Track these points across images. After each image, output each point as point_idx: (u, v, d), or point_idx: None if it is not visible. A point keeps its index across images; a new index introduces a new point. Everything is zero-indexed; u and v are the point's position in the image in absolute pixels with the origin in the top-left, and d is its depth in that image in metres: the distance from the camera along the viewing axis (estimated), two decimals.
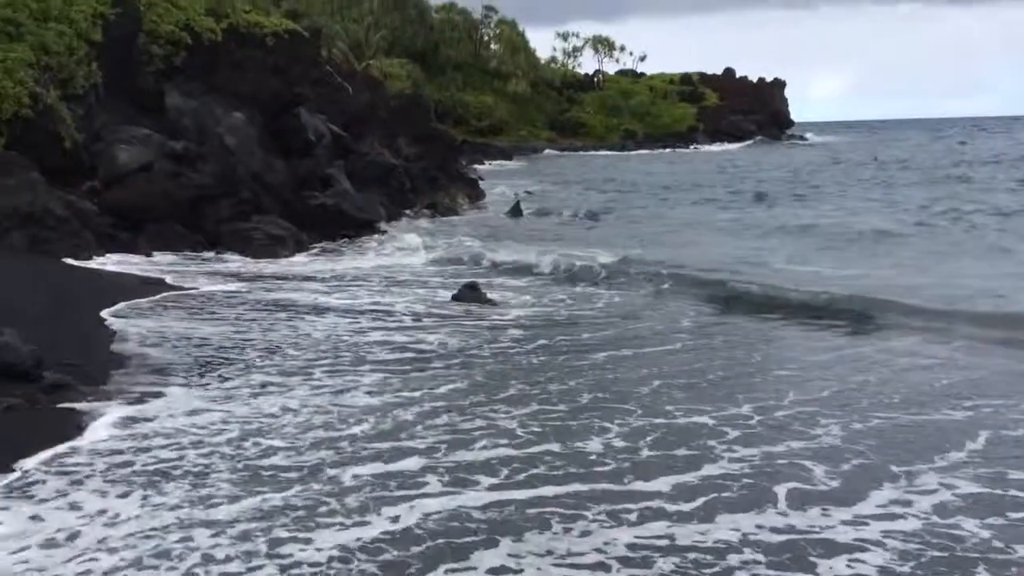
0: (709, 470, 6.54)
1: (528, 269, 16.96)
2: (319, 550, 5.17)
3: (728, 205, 30.94)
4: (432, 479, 6.23)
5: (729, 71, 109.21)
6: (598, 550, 5.25)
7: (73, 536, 5.21)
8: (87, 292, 12.60)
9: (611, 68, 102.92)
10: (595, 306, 13.52)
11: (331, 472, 6.30)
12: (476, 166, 48.31)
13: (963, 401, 8.34)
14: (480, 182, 37.20)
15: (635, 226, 25.10)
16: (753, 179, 42.16)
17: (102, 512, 5.53)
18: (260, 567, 4.96)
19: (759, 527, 5.57)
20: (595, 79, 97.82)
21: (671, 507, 5.86)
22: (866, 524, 5.65)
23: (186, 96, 22.95)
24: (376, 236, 22.09)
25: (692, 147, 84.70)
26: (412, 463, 6.51)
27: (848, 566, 5.11)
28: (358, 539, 5.30)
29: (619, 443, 7.09)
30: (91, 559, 4.94)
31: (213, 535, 5.27)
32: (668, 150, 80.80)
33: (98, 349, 9.34)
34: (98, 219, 18.17)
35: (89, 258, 16.17)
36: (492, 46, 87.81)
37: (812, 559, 5.19)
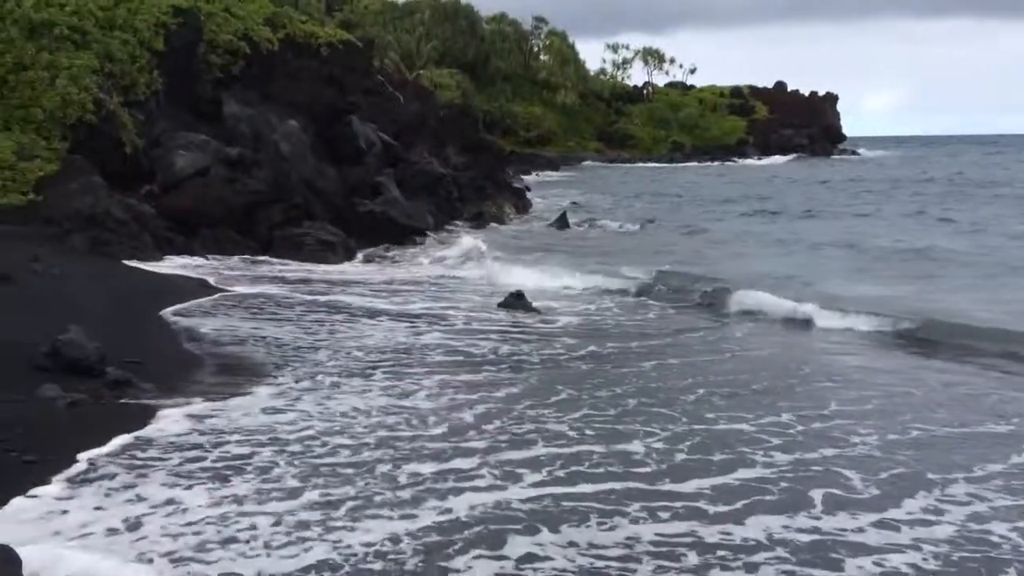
0: (744, 474, 6.66)
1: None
2: (369, 532, 5.46)
3: (775, 219, 30.79)
4: (483, 474, 6.48)
5: (780, 84, 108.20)
6: (627, 543, 5.45)
7: (136, 525, 5.46)
8: (147, 292, 13.07)
9: (660, 80, 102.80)
10: (644, 317, 13.63)
11: (388, 469, 6.55)
12: (523, 176, 48.61)
13: (1010, 418, 8.33)
14: (527, 192, 37.49)
15: (681, 238, 25.09)
16: (802, 194, 41.82)
17: (168, 502, 5.79)
18: (313, 549, 5.21)
19: (788, 527, 5.69)
20: (644, 91, 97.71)
21: (703, 507, 6.02)
22: (897, 529, 5.74)
23: (243, 104, 23.57)
24: (425, 244, 22.40)
25: (734, 160, 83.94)
26: (466, 462, 6.76)
27: (876, 564, 5.22)
28: (407, 528, 5.57)
29: (659, 446, 7.24)
30: (153, 545, 5.21)
31: (273, 523, 5.53)
32: (716, 163, 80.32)
33: (162, 347, 9.71)
34: (155, 222, 18.74)
35: (148, 260, 16.69)
36: (542, 57, 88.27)
37: (839, 557, 5.31)
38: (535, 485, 6.32)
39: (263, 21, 25.19)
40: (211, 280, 15.25)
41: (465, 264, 19.51)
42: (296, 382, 8.79)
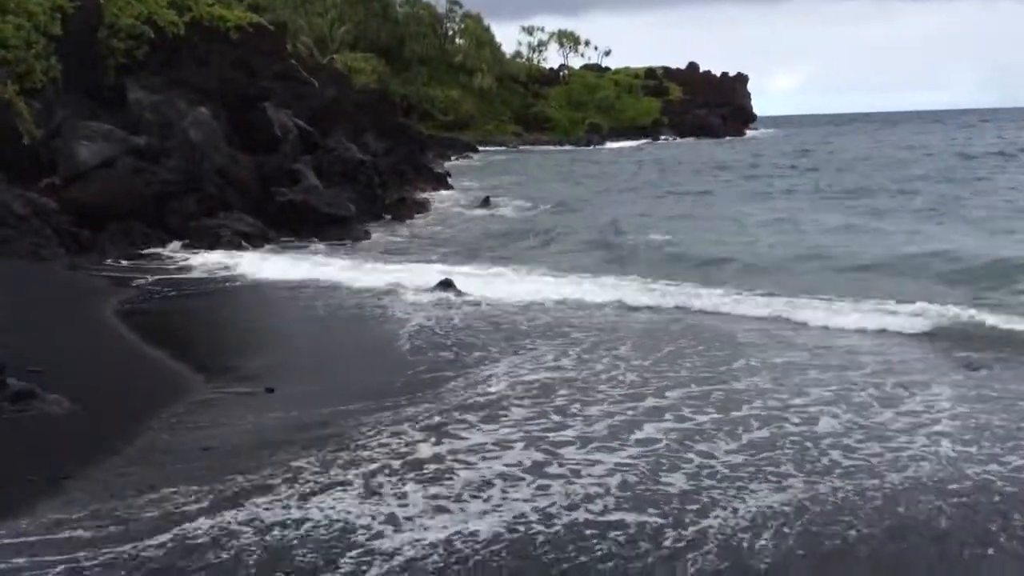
0: None
1: None
2: None
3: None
4: None
5: (693, 65, 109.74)
6: None
7: None
8: (60, 294, 12.26)
9: (576, 63, 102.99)
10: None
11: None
12: (443, 161, 48.05)
13: None
14: (448, 177, 37.03)
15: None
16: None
17: None
18: None
19: None
20: (560, 74, 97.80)
21: None
22: None
23: (148, 91, 22.50)
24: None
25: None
26: None
27: None
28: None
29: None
30: None
31: None
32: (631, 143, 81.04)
33: (73, 353, 9.02)
34: (58, 217, 17.72)
35: (50, 258, 15.71)
36: (457, 40, 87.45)
37: None
38: None
39: (167, 4, 24.08)
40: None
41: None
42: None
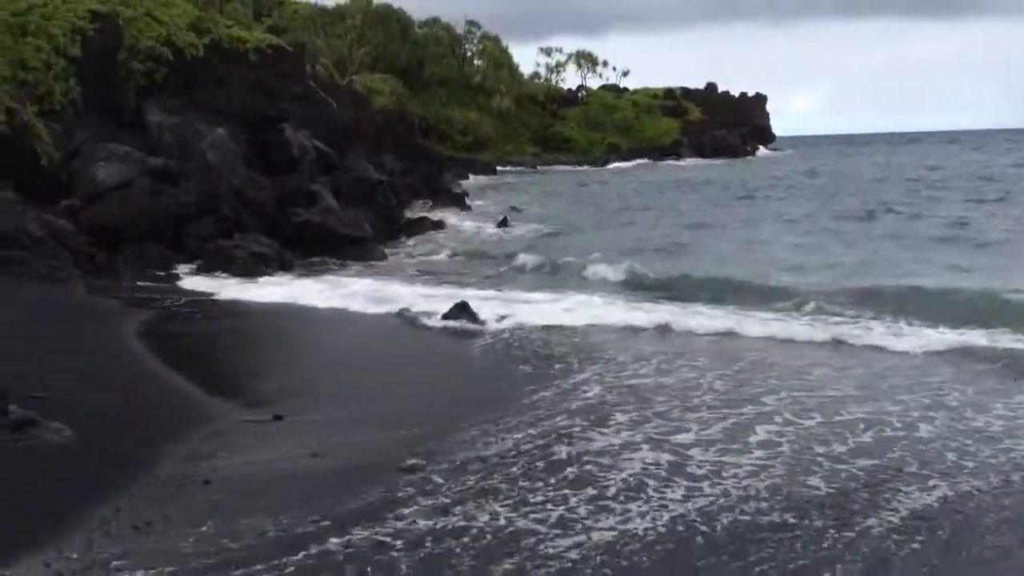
0: None
1: None
2: None
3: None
4: None
5: (711, 85, 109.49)
6: None
7: None
8: (64, 316, 12.12)
9: (594, 83, 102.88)
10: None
11: None
12: (461, 181, 47.95)
13: None
14: (466, 197, 36.88)
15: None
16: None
17: None
18: None
19: None
20: (578, 94, 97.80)
21: None
22: None
23: (167, 112, 22.55)
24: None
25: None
26: None
27: None
28: None
29: None
30: None
31: None
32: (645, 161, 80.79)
33: (79, 379, 8.81)
34: (75, 238, 17.67)
35: (65, 280, 15.61)
36: (476, 62, 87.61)
37: None
38: None
39: (187, 26, 24.17)
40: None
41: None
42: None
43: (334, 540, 5.33)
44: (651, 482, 6.42)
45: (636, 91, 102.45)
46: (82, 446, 6.59)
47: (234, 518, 5.60)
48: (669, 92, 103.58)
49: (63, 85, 20.16)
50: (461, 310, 13.55)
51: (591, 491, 6.22)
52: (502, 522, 5.65)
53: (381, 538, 5.38)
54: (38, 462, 6.25)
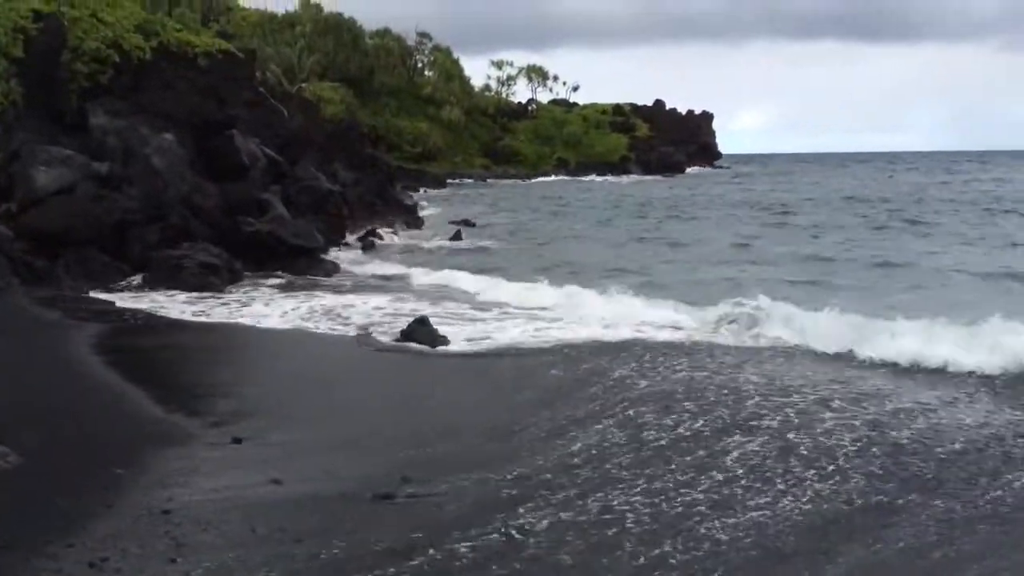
0: None
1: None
2: None
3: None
4: None
5: (659, 102, 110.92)
6: None
7: None
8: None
9: (544, 97, 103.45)
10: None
11: None
12: (411, 193, 47.54)
13: None
14: (418, 210, 36.51)
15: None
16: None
17: None
18: None
19: None
20: (528, 108, 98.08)
21: None
22: None
23: (112, 115, 21.81)
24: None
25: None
26: None
27: None
28: None
29: None
30: None
31: None
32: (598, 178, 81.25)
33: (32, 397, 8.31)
34: (12, 244, 16.92)
35: (3, 288, 14.88)
36: (426, 73, 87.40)
37: None
38: None
39: (134, 28, 23.46)
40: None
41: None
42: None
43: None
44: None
45: (586, 106, 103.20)
46: (28, 472, 6.13)
47: (196, 552, 5.23)
48: (618, 108, 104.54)
49: (3, 86, 19.36)
50: (420, 324, 13.24)
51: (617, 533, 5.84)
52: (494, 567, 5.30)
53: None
54: None
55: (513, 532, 5.71)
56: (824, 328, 11.93)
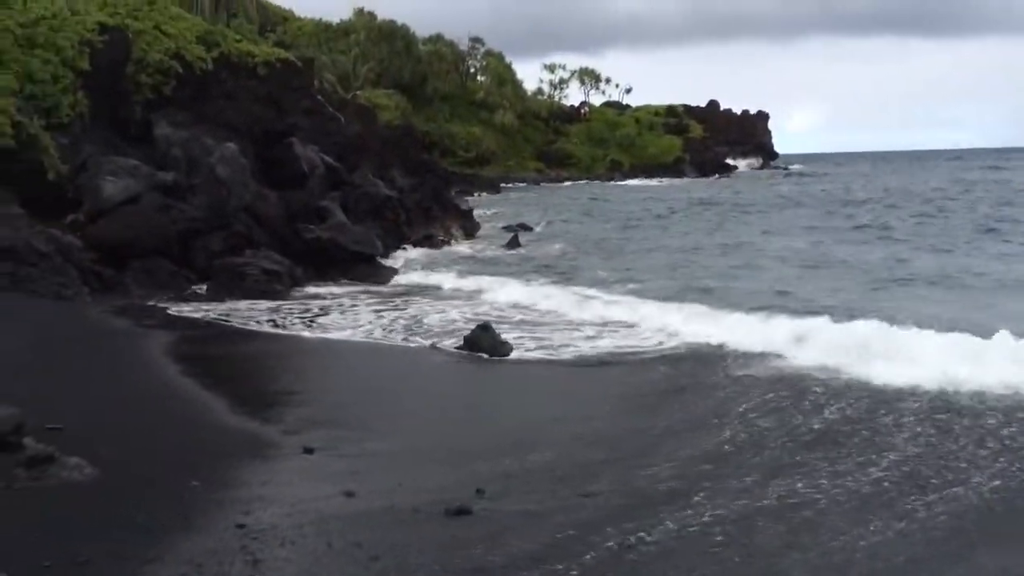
0: None
1: None
2: None
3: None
4: None
5: (713, 103, 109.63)
6: None
7: None
8: (79, 336, 11.61)
9: (597, 100, 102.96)
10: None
11: None
12: (466, 197, 47.55)
13: None
14: (473, 214, 36.43)
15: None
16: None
17: None
18: None
19: None
20: (581, 111, 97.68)
21: None
22: None
23: (175, 126, 22.16)
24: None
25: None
26: None
27: None
28: None
29: None
30: None
31: None
32: (655, 181, 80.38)
33: (97, 406, 8.30)
34: (81, 254, 17.21)
35: (72, 297, 15.12)
36: (479, 78, 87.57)
37: None
38: None
39: (196, 40, 23.84)
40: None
41: None
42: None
43: None
44: None
45: (638, 108, 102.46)
46: (105, 485, 6.09)
47: (273, 569, 5.11)
48: (671, 109, 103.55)
49: (70, 98, 19.78)
50: (483, 331, 13.07)
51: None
52: None
53: None
54: (57, 503, 5.74)
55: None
56: None
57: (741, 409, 8.84)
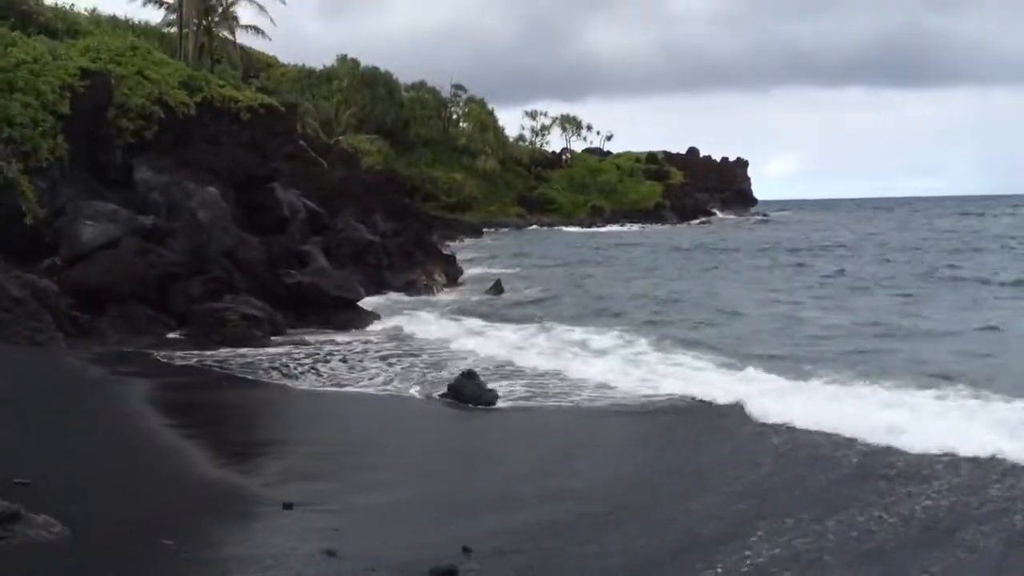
0: None
1: None
2: None
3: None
4: None
5: (693, 150, 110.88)
6: None
7: None
8: (54, 384, 11.27)
9: (578, 146, 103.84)
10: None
11: None
12: (448, 242, 47.50)
13: None
14: (455, 259, 36.31)
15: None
16: None
17: None
18: None
19: None
20: (563, 157, 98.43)
21: None
22: None
23: (156, 171, 21.98)
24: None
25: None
26: None
27: None
28: None
29: None
30: None
31: None
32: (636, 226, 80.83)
33: (71, 460, 7.97)
34: (58, 299, 16.87)
35: (46, 343, 14.78)
36: (461, 124, 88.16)
37: None
38: None
39: (179, 84, 23.78)
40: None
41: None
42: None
43: None
44: None
45: (619, 155, 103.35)
46: (74, 545, 5.79)
47: None
48: (652, 156, 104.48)
49: (50, 142, 19.58)
50: (468, 379, 12.86)
51: None
52: None
53: None
54: (21, 566, 5.43)
55: None
56: None
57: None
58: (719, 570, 6.08)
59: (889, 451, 8.89)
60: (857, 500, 7.48)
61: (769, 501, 7.53)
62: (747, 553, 6.37)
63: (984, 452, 8.65)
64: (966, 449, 8.72)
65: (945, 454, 8.69)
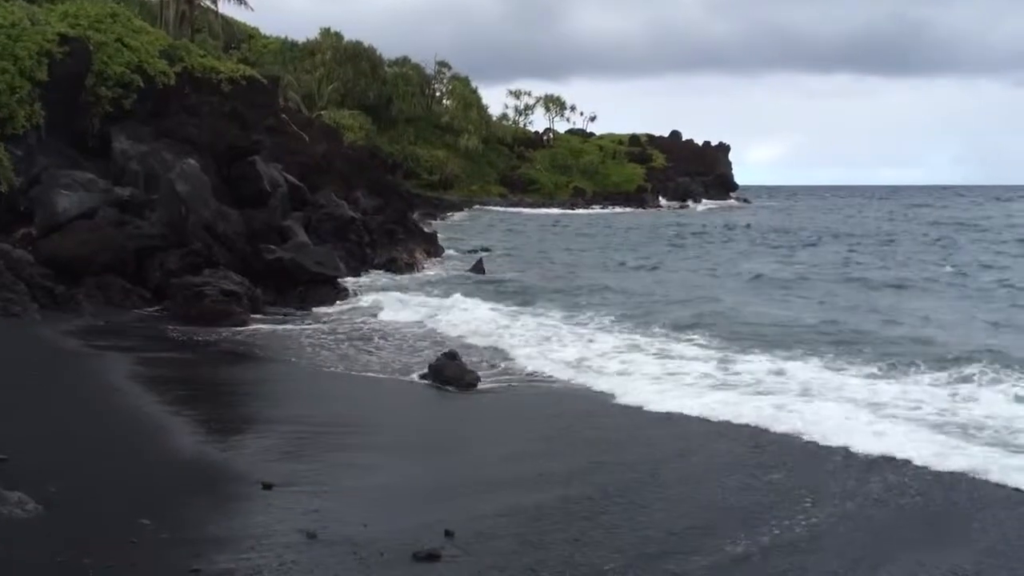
0: None
1: None
2: None
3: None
4: None
5: (676, 133, 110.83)
6: None
7: None
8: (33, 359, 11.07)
9: (561, 127, 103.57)
10: None
11: None
12: (430, 220, 47.27)
13: None
14: (437, 237, 36.14)
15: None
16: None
17: None
18: None
19: None
20: (545, 137, 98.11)
21: None
22: None
23: (135, 140, 21.65)
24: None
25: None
26: None
27: None
28: None
29: None
30: None
31: None
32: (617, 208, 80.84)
33: (45, 433, 7.83)
34: (32, 269, 16.61)
35: (20, 314, 14.52)
36: (445, 102, 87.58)
37: None
38: None
39: (159, 54, 23.37)
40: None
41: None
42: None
43: None
44: None
45: (603, 136, 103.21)
46: (49, 523, 5.68)
47: None
48: (635, 138, 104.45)
49: (27, 109, 19.24)
50: (450, 359, 12.77)
51: None
52: None
53: None
54: None
55: None
56: None
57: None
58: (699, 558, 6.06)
59: None
60: None
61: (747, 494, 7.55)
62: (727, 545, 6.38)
63: None
64: None
65: None
